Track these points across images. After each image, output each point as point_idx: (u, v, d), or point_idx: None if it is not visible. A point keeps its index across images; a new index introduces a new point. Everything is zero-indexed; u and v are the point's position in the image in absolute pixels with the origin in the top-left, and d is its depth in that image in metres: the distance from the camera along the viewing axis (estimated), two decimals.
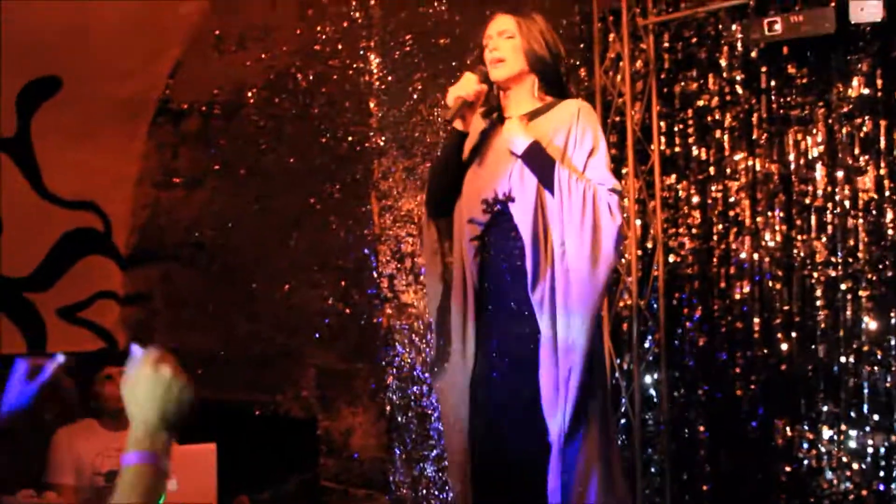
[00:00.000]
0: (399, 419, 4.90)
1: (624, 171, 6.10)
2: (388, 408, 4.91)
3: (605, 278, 3.16)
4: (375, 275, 4.92)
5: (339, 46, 5.04)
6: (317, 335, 5.13)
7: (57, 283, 5.66)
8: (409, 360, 4.91)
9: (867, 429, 5.37)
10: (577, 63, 6.26)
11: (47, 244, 5.58)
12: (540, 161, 3.19)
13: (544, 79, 3.39)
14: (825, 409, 5.50)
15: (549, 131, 3.25)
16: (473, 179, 3.35)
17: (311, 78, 5.16)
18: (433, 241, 3.46)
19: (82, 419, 4.44)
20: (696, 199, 6.03)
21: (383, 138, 4.89)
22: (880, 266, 5.37)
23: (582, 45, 6.28)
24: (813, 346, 5.57)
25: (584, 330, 3.08)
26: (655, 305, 6.04)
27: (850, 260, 5.46)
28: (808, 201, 5.62)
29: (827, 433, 5.49)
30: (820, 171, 5.59)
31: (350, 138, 5.01)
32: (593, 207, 3.06)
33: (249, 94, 5.39)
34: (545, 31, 3.40)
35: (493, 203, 3.27)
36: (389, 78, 4.94)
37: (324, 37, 5.08)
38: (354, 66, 4.99)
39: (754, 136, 5.81)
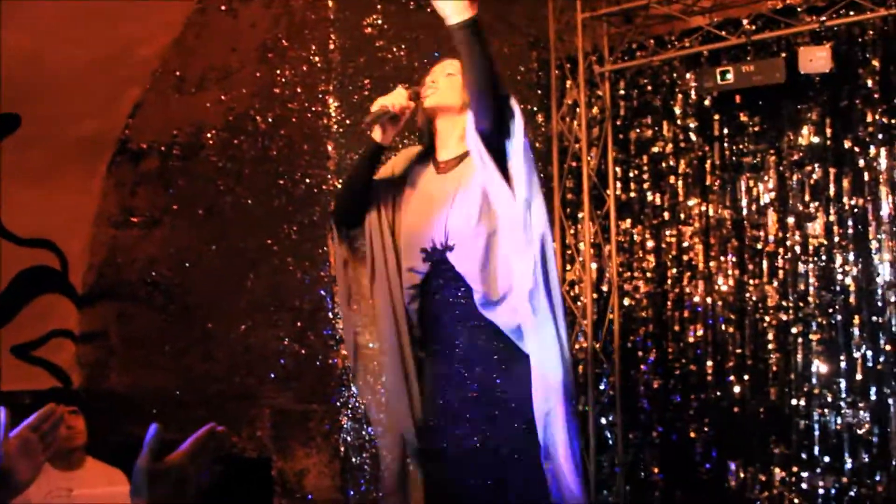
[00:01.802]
0: (353, 460, 4.89)
1: (580, 215, 6.18)
2: (342, 449, 4.90)
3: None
4: (331, 316, 4.92)
5: (298, 90, 5.07)
6: (272, 376, 5.12)
7: (12, 320, 5.62)
8: (364, 402, 4.92)
9: (818, 470, 5.43)
10: (535, 109, 6.34)
11: (3, 282, 5.55)
12: (475, 43, 2.99)
13: (479, 116, 3.14)
14: (777, 450, 5.56)
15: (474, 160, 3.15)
16: (409, 227, 3.29)
17: (269, 120, 5.19)
18: (342, 256, 3.37)
19: None
20: (650, 244, 6.11)
21: (340, 181, 4.92)
22: (830, 310, 5.46)
23: (539, 92, 6.37)
24: (765, 389, 5.64)
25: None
26: (610, 348, 6.09)
27: (801, 304, 5.55)
28: (759, 246, 5.72)
29: (779, 475, 5.55)
30: (771, 217, 5.69)
31: (308, 180, 5.03)
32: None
33: (209, 135, 5.40)
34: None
35: (432, 252, 3.23)
36: (347, 121, 4.97)
37: (283, 80, 5.11)
38: (313, 109, 5.02)
39: (707, 182, 5.91)
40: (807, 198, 5.58)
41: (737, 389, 5.73)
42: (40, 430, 1.93)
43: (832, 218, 5.48)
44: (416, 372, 3.33)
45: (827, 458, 5.41)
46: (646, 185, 6.14)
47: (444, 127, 3.29)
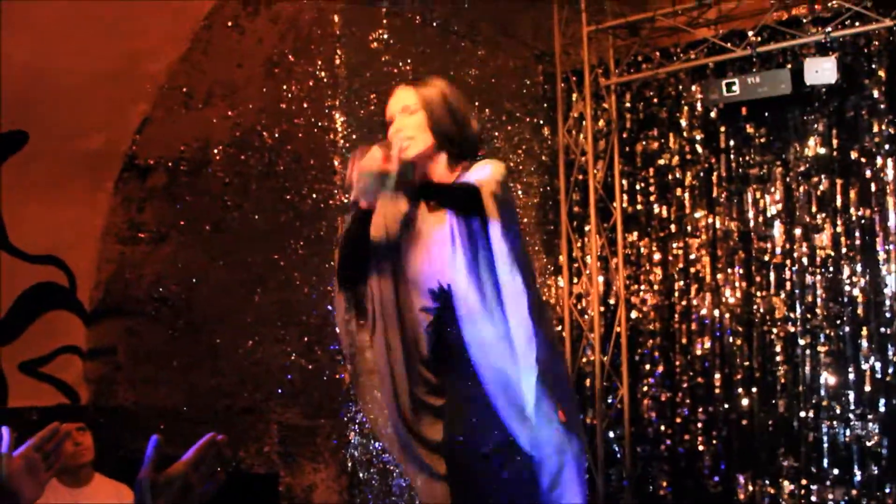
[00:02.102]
0: (361, 475, 4.89)
1: (587, 228, 6.18)
2: (350, 464, 4.89)
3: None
4: (338, 331, 4.92)
5: (305, 105, 5.07)
6: (280, 391, 5.11)
7: (20, 337, 5.63)
8: (371, 416, 4.91)
9: (827, 483, 5.41)
10: (541, 122, 6.36)
11: (10, 298, 5.56)
12: (434, 194, 3.14)
13: (453, 152, 3.18)
14: (786, 463, 5.55)
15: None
16: (415, 269, 3.28)
17: (276, 135, 5.19)
18: (342, 310, 3.39)
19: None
20: (657, 256, 6.11)
21: (347, 196, 4.92)
22: (838, 321, 5.45)
23: (546, 105, 6.38)
24: (773, 401, 5.63)
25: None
26: (618, 361, 6.08)
27: (809, 316, 5.54)
28: (766, 258, 5.71)
29: (788, 487, 5.53)
30: (778, 229, 5.69)
31: (314, 195, 5.03)
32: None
33: (216, 151, 5.40)
34: (448, 97, 3.20)
35: (439, 293, 3.24)
36: (354, 136, 4.97)
37: (290, 95, 5.12)
38: (319, 124, 5.02)
39: (714, 195, 5.91)
40: (814, 209, 5.58)
41: (745, 402, 5.72)
42: (43, 450, 1.94)
43: (839, 229, 5.48)
44: (418, 413, 3.34)
45: (836, 471, 5.40)
46: (652, 198, 6.14)
47: (432, 167, 3.22)
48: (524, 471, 3.17)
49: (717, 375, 5.83)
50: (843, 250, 5.47)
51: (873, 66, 5.38)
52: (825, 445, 5.45)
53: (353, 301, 3.35)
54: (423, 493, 3.43)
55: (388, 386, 3.31)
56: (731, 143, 5.87)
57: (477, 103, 5.71)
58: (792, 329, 5.60)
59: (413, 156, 3.16)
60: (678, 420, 5.94)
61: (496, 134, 5.95)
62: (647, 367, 6.08)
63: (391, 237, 3.33)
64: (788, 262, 5.64)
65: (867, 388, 5.33)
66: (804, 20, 5.50)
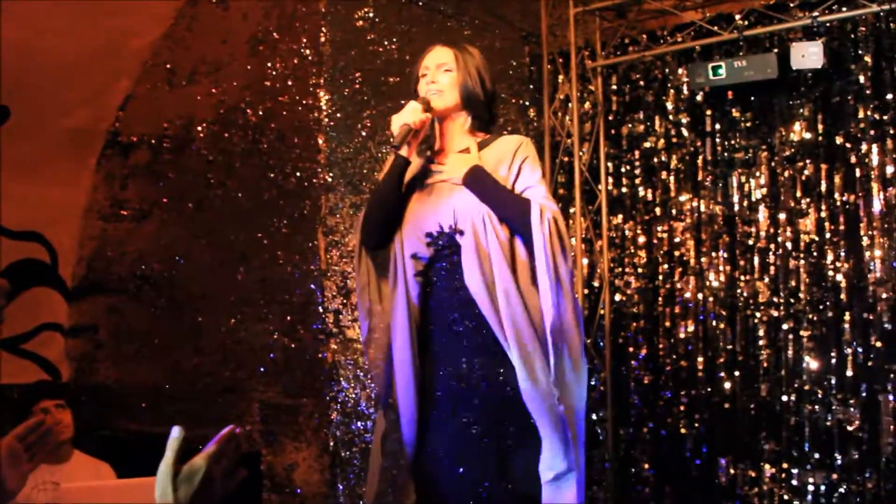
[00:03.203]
0: (343, 454, 4.88)
1: (571, 210, 6.17)
2: (331, 443, 4.88)
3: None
4: (321, 310, 4.90)
5: (290, 83, 5.04)
6: (262, 370, 5.10)
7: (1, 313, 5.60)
8: (353, 396, 4.90)
9: (808, 467, 5.43)
10: (527, 104, 6.34)
11: None
12: (484, 181, 3.18)
13: (475, 116, 3.36)
14: (767, 447, 5.57)
15: (492, 163, 3.24)
16: (414, 215, 3.30)
17: (260, 113, 5.16)
18: (364, 274, 3.42)
19: None
20: (642, 239, 6.11)
21: (331, 174, 4.90)
22: (821, 307, 5.46)
23: (532, 87, 6.37)
24: (755, 385, 5.64)
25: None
26: (602, 344, 6.09)
27: (792, 300, 5.55)
28: (751, 242, 5.72)
29: (769, 471, 5.55)
30: (763, 213, 5.69)
31: (298, 174, 5.00)
32: (540, 221, 3.05)
33: (199, 128, 5.36)
34: (481, 68, 3.38)
35: (438, 236, 3.24)
36: (338, 115, 4.95)
37: (274, 73, 5.09)
38: (304, 102, 4.99)
39: (699, 178, 5.91)
40: (798, 194, 5.58)
41: (727, 385, 5.73)
42: (26, 441, 1.94)
43: (824, 214, 5.49)
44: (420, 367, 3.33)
45: (817, 455, 5.42)
46: (637, 181, 6.14)
47: (449, 126, 3.39)
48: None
49: (700, 359, 5.84)
50: (828, 235, 5.48)
51: (860, 51, 5.37)
52: (807, 429, 5.47)
53: (373, 260, 3.39)
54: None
55: (406, 346, 3.29)
56: (717, 126, 5.87)
57: None
58: (775, 313, 5.61)
59: (441, 108, 3.28)
60: (661, 403, 5.95)
61: None
62: (631, 349, 6.09)
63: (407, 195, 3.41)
64: (773, 246, 5.65)
65: (849, 373, 5.34)
66: (791, 4, 5.49)
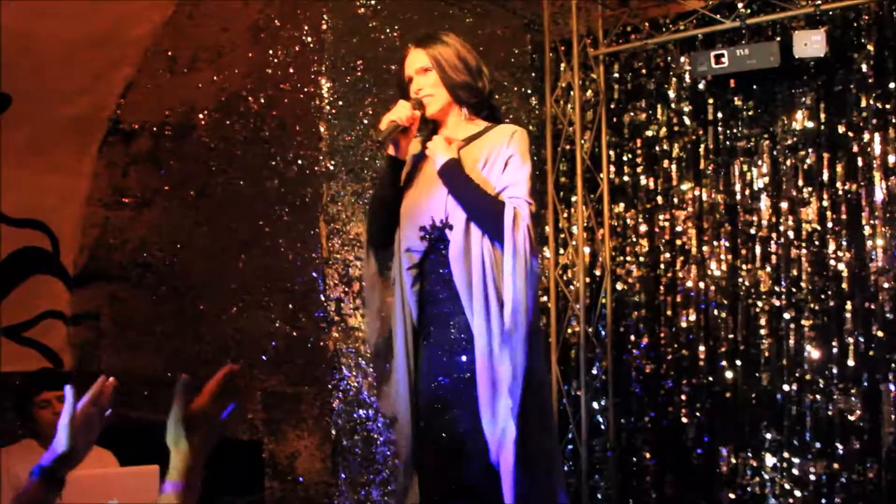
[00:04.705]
0: (345, 443, 4.88)
1: (573, 199, 6.17)
2: (333, 431, 4.88)
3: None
4: (323, 298, 4.90)
5: (291, 70, 5.03)
6: (264, 358, 5.10)
7: (3, 302, 5.60)
8: (355, 384, 4.91)
9: (809, 456, 5.43)
10: (529, 92, 6.33)
11: None
12: (454, 179, 3.16)
13: (470, 104, 3.34)
14: (769, 436, 5.57)
15: (484, 153, 3.23)
16: (409, 207, 3.30)
17: (262, 101, 5.15)
18: (372, 274, 3.41)
19: (22, 440, 4.39)
20: (643, 228, 6.10)
21: (333, 162, 4.90)
22: (822, 296, 5.46)
23: (534, 75, 6.35)
24: (757, 375, 5.64)
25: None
26: (603, 332, 6.09)
27: (794, 290, 5.55)
28: (753, 231, 5.71)
29: (770, 460, 5.56)
30: (765, 202, 5.68)
31: (300, 162, 5.00)
32: (513, 226, 3.03)
33: (200, 116, 5.36)
34: (461, 52, 3.35)
35: (430, 230, 3.23)
36: (340, 103, 4.94)
37: (275, 60, 5.08)
38: (305, 90, 4.98)
39: (701, 167, 5.90)
40: (800, 183, 5.57)
41: (729, 375, 5.73)
42: (100, 404, 2.04)
43: (825, 203, 5.48)
44: (414, 359, 3.33)
45: (818, 444, 5.42)
46: (639, 169, 6.13)
47: (451, 119, 3.38)
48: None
49: (702, 348, 5.84)
50: (829, 224, 5.47)
51: (862, 40, 5.36)
52: (808, 419, 5.47)
53: (379, 261, 3.39)
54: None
55: (401, 345, 3.30)
56: (719, 115, 5.85)
57: None
58: (777, 303, 5.60)
59: (435, 112, 3.27)
60: (662, 392, 5.95)
61: None
62: (632, 338, 6.09)
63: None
64: (774, 235, 5.64)
65: (850, 363, 5.34)
66: None
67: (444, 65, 3.30)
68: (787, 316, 5.56)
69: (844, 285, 5.39)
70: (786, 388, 5.53)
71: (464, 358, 3.18)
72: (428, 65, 3.31)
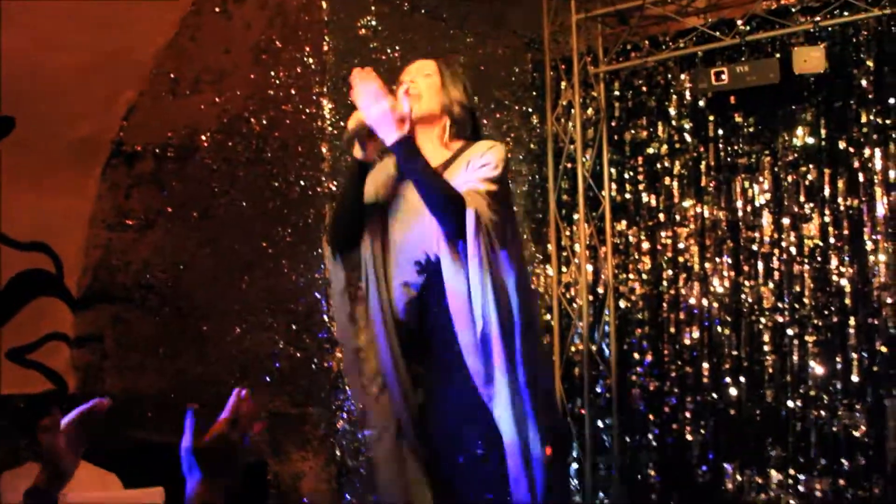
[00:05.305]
0: (349, 464, 4.88)
1: (575, 216, 6.18)
2: (338, 452, 4.88)
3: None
4: (326, 319, 4.91)
5: (293, 91, 5.06)
6: (267, 379, 5.10)
7: (7, 324, 5.60)
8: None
9: (814, 473, 5.42)
10: (530, 110, 6.35)
11: None
12: (410, 159, 2.98)
13: (457, 122, 3.25)
14: (773, 453, 5.56)
15: (462, 165, 3.13)
16: (399, 242, 3.23)
17: (264, 122, 5.17)
18: (340, 280, 3.35)
19: (28, 463, 4.39)
20: (646, 245, 6.11)
21: (335, 183, 4.91)
22: (826, 312, 5.46)
23: (534, 93, 6.38)
24: (761, 391, 5.64)
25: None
26: (606, 350, 6.08)
27: (797, 306, 5.54)
28: (755, 248, 5.72)
29: (775, 477, 5.54)
30: (766, 218, 5.69)
31: (302, 183, 5.01)
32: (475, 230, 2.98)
33: (203, 138, 5.38)
34: (463, 79, 3.33)
35: (426, 265, 3.19)
36: (342, 123, 4.95)
37: (277, 82, 5.10)
38: (307, 111, 5.00)
39: (702, 184, 5.91)
40: (802, 199, 5.58)
41: (733, 391, 5.73)
42: (87, 424, 2.05)
43: (827, 219, 5.48)
44: (412, 386, 3.30)
45: (823, 461, 5.41)
46: (641, 187, 6.14)
47: (425, 134, 3.26)
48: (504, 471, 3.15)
49: (705, 365, 5.83)
50: (832, 240, 5.47)
51: (862, 55, 5.37)
52: (813, 435, 5.46)
53: (345, 264, 3.33)
54: (398, 488, 3.38)
55: (386, 357, 3.25)
56: (720, 132, 5.87)
57: None
58: (780, 319, 5.60)
59: (418, 114, 3.18)
60: (666, 409, 5.94)
61: (485, 121, 5.94)
62: (636, 356, 6.09)
63: (380, 201, 3.31)
64: (776, 251, 5.65)
65: (854, 379, 5.34)
66: (793, 9, 5.50)
67: (448, 79, 3.27)
68: (790, 332, 5.56)
69: (847, 301, 5.39)
70: (790, 404, 5.53)
71: (470, 383, 3.15)
72: (432, 70, 3.28)
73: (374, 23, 5.16)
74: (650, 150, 6.11)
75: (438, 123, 3.25)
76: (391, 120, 2.96)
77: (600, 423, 6.13)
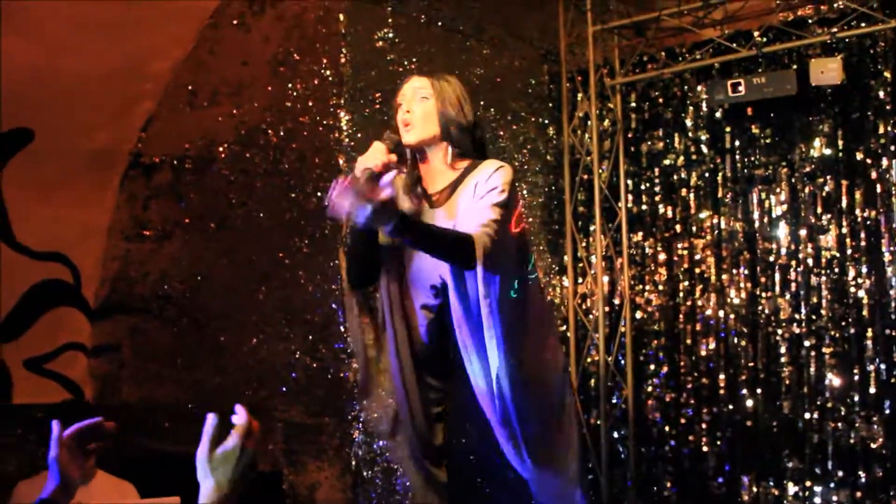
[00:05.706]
0: (365, 474, 4.89)
1: (592, 228, 6.18)
2: (353, 462, 4.89)
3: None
4: (342, 329, 4.92)
5: (310, 103, 5.08)
6: (284, 389, 5.12)
7: (25, 334, 5.63)
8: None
9: (832, 485, 5.40)
10: (546, 122, 6.36)
11: (16, 295, 5.56)
12: (415, 236, 2.93)
13: (458, 144, 3.22)
14: (790, 464, 5.54)
15: (469, 188, 3.13)
16: (416, 268, 3.26)
17: (281, 134, 5.20)
18: (355, 314, 3.35)
19: (44, 472, 4.41)
20: (662, 257, 6.10)
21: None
22: (843, 323, 5.44)
23: (551, 105, 6.38)
24: (778, 403, 5.62)
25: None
26: (622, 361, 6.08)
27: (814, 317, 5.53)
28: (772, 259, 5.71)
29: (792, 489, 5.52)
30: (783, 230, 5.68)
31: (319, 194, 5.02)
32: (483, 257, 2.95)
33: (220, 149, 5.40)
34: (460, 95, 3.26)
35: (441, 288, 3.21)
36: (358, 135, 4.98)
37: (295, 94, 5.13)
38: (324, 122, 5.03)
39: (719, 195, 5.91)
40: (819, 210, 5.57)
41: (749, 403, 5.71)
42: (82, 440, 2.08)
43: (845, 230, 5.47)
44: (425, 420, 3.34)
45: (840, 473, 5.39)
46: (657, 198, 6.14)
47: (431, 154, 3.25)
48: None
49: (722, 376, 5.82)
50: (849, 251, 5.46)
51: (879, 67, 5.37)
52: (830, 447, 5.44)
53: (364, 301, 3.35)
54: (420, 497, 3.42)
55: (399, 386, 3.31)
56: (737, 143, 5.87)
57: (482, 102, 5.71)
58: (797, 330, 5.59)
59: (414, 142, 3.18)
60: (682, 421, 5.93)
61: (501, 133, 5.96)
62: (652, 367, 6.08)
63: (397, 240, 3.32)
64: (793, 262, 5.63)
65: (872, 390, 5.32)
66: (810, 21, 5.50)
67: (444, 98, 3.21)
68: (807, 343, 5.54)
69: (865, 312, 5.38)
70: (807, 415, 5.51)
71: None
72: (428, 91, 3.23)
73: (391, 35, 5.18)
74: (666, 162, 6.11)
75: (440, 146, 3.23)
76: (381, 216, 2.81)
77: (616, 435, 6.12)
